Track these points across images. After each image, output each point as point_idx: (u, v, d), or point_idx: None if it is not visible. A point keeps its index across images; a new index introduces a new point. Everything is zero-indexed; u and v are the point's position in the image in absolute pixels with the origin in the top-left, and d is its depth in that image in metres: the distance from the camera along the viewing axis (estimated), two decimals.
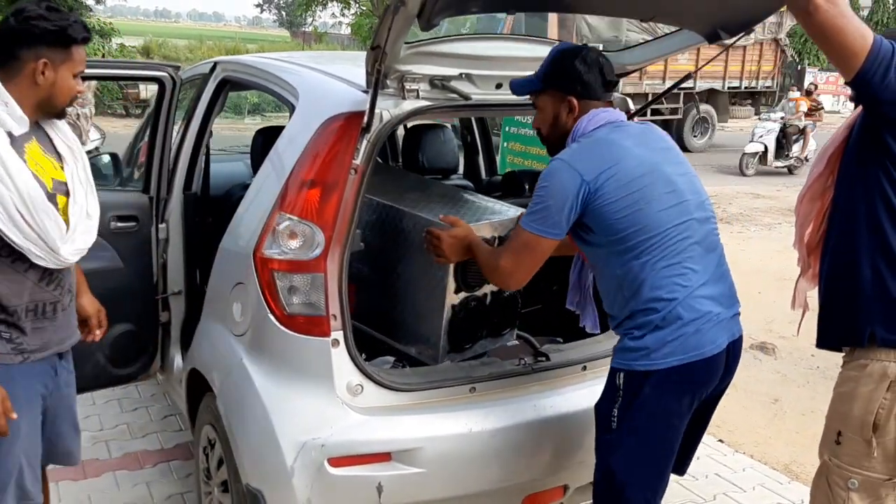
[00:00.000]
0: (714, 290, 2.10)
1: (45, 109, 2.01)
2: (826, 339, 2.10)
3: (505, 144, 6.71)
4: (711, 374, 2.12)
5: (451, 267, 2.44)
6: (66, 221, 2.00)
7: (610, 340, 2.70)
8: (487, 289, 2.59)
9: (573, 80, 2.16)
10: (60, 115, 2.07)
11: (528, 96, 2.33)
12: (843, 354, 2.09)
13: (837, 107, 34.67)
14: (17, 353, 1.99)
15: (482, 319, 2.63)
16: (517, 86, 2.30)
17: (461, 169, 4.07)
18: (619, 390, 2.09)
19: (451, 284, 2.48)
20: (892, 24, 37.55)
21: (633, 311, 2.07)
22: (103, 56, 16.17)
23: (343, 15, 25.85)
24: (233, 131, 11.02)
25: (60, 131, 2.10)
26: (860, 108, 1.99)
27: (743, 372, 4.79)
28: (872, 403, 1.93)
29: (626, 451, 2.10)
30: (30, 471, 2.05)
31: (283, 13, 49.09)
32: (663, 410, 2.08)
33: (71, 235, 1.99)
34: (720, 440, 3.86)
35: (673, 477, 3.36)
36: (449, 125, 3.76)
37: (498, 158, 6.20)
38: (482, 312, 2.62)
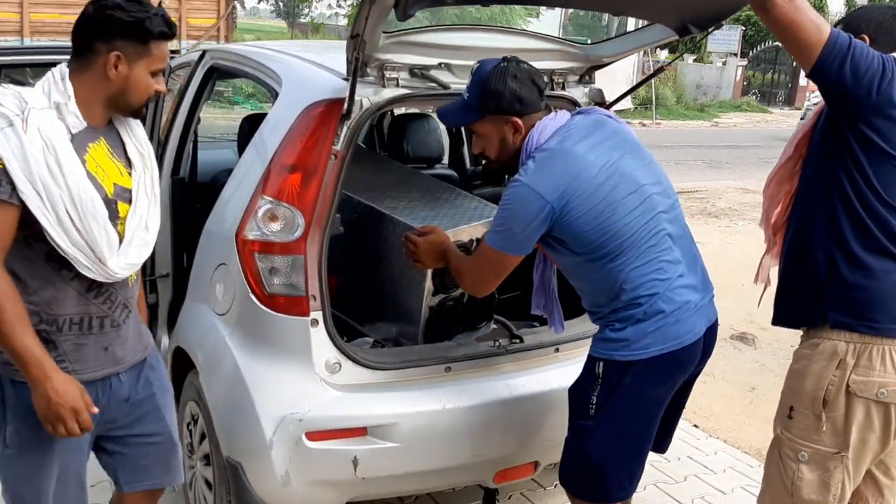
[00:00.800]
0: (691, 278, 2.16)
1: (118, 107, 1.87)
2: (782, 319, 2.20)
3: None
4: (689, 361, 2.18)
5: (429, 271, 2.53)
6: (123, 232, 1.84)
7: (583, 324, 2.80)
8: None
9: (511, 100, 2.12)
10: (136, 114, 1.92)
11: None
12: (800, 333, 2.18)
13: None
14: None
15: (459, 317, 2.72)
16: (450, 118, 2.32)
17: (446, 158, 4.15)
18: (598, 378, 2.13)
19: (429, 287, 2.58)
20: None
21: (615, 308, 2.12)
22: None
23: (339, 6, 25.83)
24: (227, 121, 11.07)
25: (134, 134, 1.95)
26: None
27: (722, 361, 4.96)
28: (823, 380, 2.02)
29: (603, 437, 2.15)
30: (65, 491, 1.94)
31: (281, 3, 48.95)
32: (642, 399, 2.14)
33: (124, 248, 1.84)
34: (695, 425, 3.95)
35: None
36: (432, 116, 3.83)
37: None
38: (459, 311, 2.71)
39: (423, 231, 2.43)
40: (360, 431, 2.32)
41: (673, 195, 2.23)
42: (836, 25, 2.16)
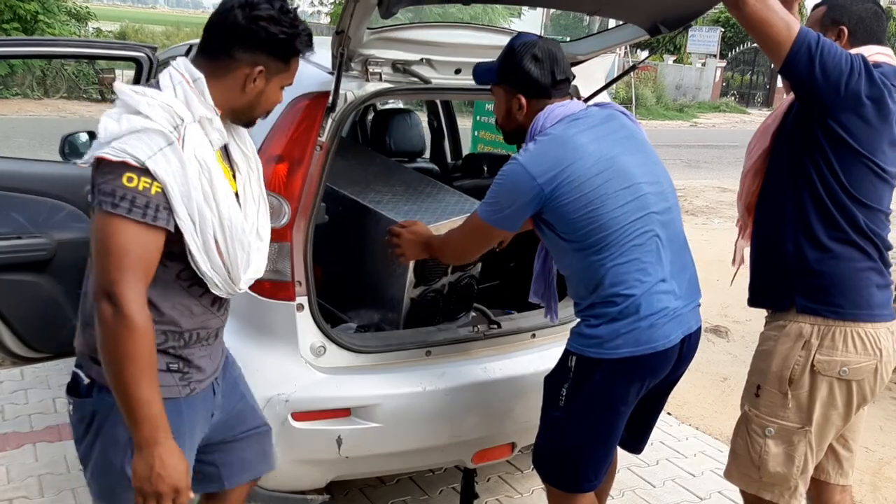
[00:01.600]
0: (674, 284, 2.14)
1: (240, 116, 1.79)
2: (755, 302, 2.33)
3: (476, 133, 6.87)
4: (662, 367, 2.17)
5: (412, 263, 2.62)
6: None
7: (561, 311, 2.91)
8: (445, 280, 2.78)
9: (522, 78, 2.16)
10: (250, 123, 1.85)
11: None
12: (765, 315, 2.30)
13: None
14: (185, 385, 1.78)
15: (439, 308, 2.81)
16: (478, 73, 2.33)
17: (428, 152, 4.25)
18: (569, 372, 2.17)
19: (411, 279, 2.67)
20: None
21: (593, 302, 2.13)
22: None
23: (322, 4, 25.80)
24: None
25: (239, 136, 1.86)
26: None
27: (697, 354, 5.07)
28: (789, 360, 2.15)
29: (570, 429, 2.20)
30: None
31: None
32: (610, 397, 2.15)
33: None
34: (668, 413, 4.07)
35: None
36: (415, 111, 3.93)
37: (469, 146, 6.39)
38: (439, 302, 2.80)
39: (405, 225, 2.51)
40: (344, 412, 2.41)
41: (672, 199, 2.22)
42: (818, 6, 2.28)
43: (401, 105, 3.94)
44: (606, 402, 2.16)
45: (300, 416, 2.36)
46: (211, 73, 1.68)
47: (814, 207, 2.11)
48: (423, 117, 4.28)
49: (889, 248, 2.19)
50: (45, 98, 16.34)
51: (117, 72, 15.88)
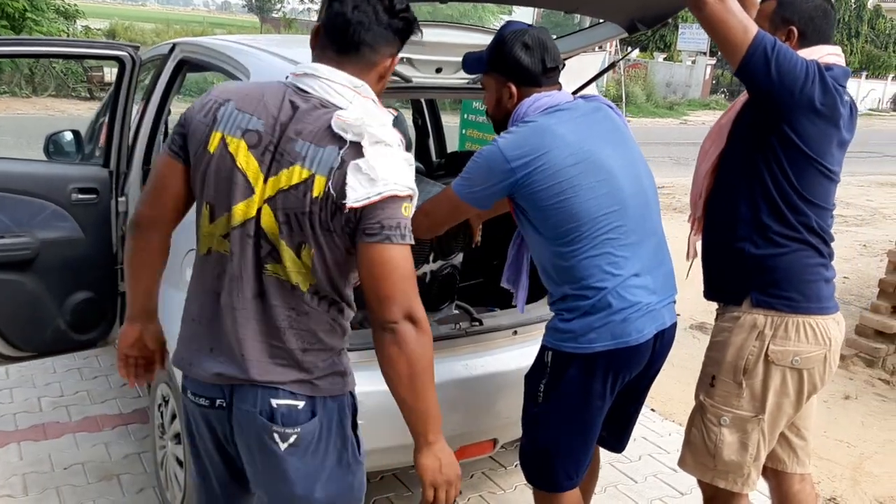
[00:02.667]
0: (648, 279, 2.15)
1: None
2: (711, 296, 2.38)
3: (463, 131, 6.88)
4: (636, 361, 2.19)
5: None
6: None
7: (541, 308, 2.92)
8: (427, 268, 2.79)
9: (512, 66, 2.16)
10: None
11: (466, 81, 2.52)
12: (716, 307, 2.36)
13: None
14: None
15: (422, 297, 2.81)
16: (468, 63, 2.32)
17: (412, 150, 4.26)
18: (546, 367, 2.19)
19: None
20: (853, 22, 38.29)
21: (564, 294, 2.14)
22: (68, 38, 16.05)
23: (312, 1, 25.79)
24: None
25: None
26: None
27: (682, 350, 5.10)
28: (744, 350, 2.21)
29: (550, 425, 2.22)
30: None
31: None
32: (586, 391, 2.16)
33: None
34: (652, 409, 4.11)
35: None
36: (399, 110, 3.94)
37: (456, 143, 6.39)
38: (421, 291, 2.80)
39: None
40: None
41: (650, 195, 2.23)
42: (770, 3, 2.29)
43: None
44: (582, 396, 2.18)
45: None
46: (359, 73, 1.65)
47: (767, 207, 2.17)
48: (407, 115, 4.30)
49: (832, 240, 2.26)
50: (34, 96, 16.30)
51: (105, 69, 15.87)
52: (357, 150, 1.55)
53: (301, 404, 1.70)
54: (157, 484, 2.91)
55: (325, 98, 1.61)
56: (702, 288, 2.39)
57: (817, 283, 2.21)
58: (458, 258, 2.93)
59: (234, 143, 1.60)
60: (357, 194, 1.54)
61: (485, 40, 2.71)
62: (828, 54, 2.20)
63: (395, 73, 2.59)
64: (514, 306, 2.83)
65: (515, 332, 2.76)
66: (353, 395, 1.88)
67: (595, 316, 2.09)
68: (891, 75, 39.13)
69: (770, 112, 2.10)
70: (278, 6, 41.04)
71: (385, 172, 1.55)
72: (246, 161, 1.60)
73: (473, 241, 2.81)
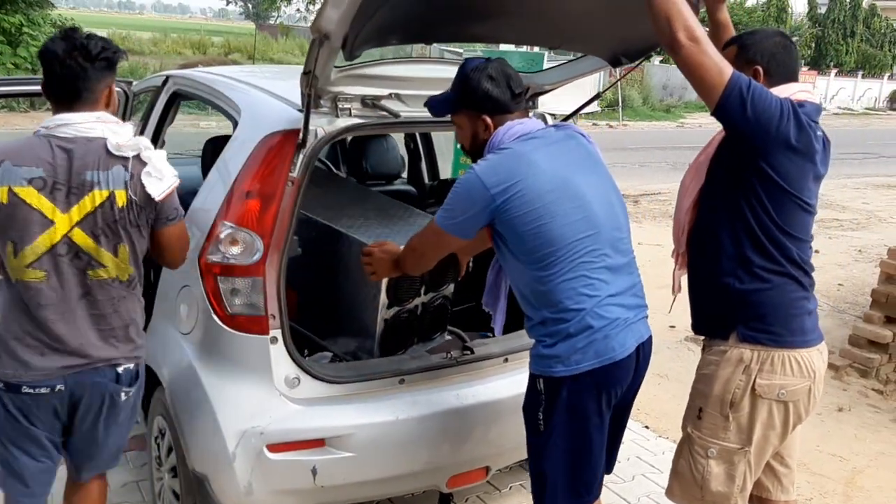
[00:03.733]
0: (622, 297, 2.21)
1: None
2: (698, 330, 2.42)
3: (460, 159, 6.95)
4: (623, 375, 2.24)
5: (384, 284, 2.67)
6: None
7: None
8: (418, 300, 2.84)
9: (483, 99, 2.23)
10: None
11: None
12: (703, 340, 2.39)
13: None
14: None
15: (413, 328, 2.87)
16: (434, 106, 2.38)
17: (406, 174, 4.31)
18: (541, 394, 2.22)
19: (384, 300, 2.72)
20: (848, 21, 38.37)
21: (544, 318, 2.18)
22: None
23: (308, 10, 25.86)
24: (197, 128, 11.12)
25: None
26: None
27: (676, 363, 5.16)
28: (731, 384, 2.24)
29: (554, 452, 2.23)
30: None
31: (250, 6, 48.77)
32: (583, 410, 2.20)
33: None
34: (646, 426, 4.14)
35: None
36: (391, 136, 3.99)
37: (450, 169, 6.45)
38: (413, 322, 2.86)
39: (376, 245, 2.57)
40: (318, 443, 2.47)
41: (622, 219, 2.30)
42: (729, 44, 2.33)
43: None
44: (580, 416, 2.21)
45: (275, 447, 2.42)
46: (92, 108, 2.12)
47: (749, 242, 2.20)
48: (400, 140, 4.35)
49: (813, 270, 2.30)
50: (32, 111, 16.30)
51: None
52: (139, 160, 2.09)
53: (132, 366, 2.26)
54: None
55: (86, 136, 2.06)
56: None
57: (801, 316, 2.25)
58: (450, 289, 2.97)
59: (23, 190, 2.00)
60: (157, 190, 2.10)
61: None
62: (799, 91, 2.24)
63: (384, 109, 2.64)
64: (508, 330, 2.89)
65: (506, 360, 2.80)
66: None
67: (577, 337, 2.15)
68: (887, 74, 39.17)
69: (747, 150, 2.14)
70: (274, 14, 41.13)
71: (165, 169, 2.13)
72: (38, 202, 2.01)
73: (460, 274, 2.85)
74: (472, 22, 2.65)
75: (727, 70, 2.05)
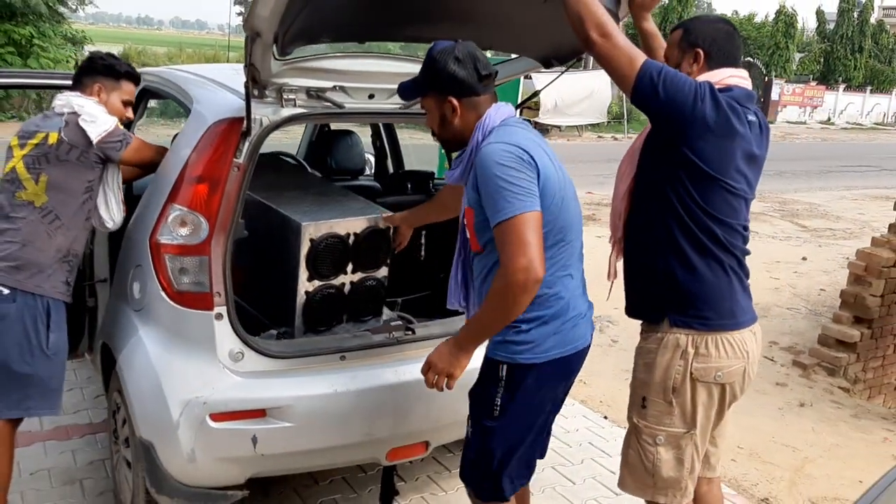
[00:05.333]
0: (582, 289, 2.37)
1: None
2: (632, 314, 2.48)
3: (443, 151, 7.10)
4: (578, 365, 2.35)
5: (303, 256, 2.81)
6: None
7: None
8: (346, 279, 2.97)
9: (449, 80, 2.21)
10: None
11: (398, 107, 2.70)
12: (641, 326, 2.46)
13: (804, 118, 35.51)
14: None
15: (341, 306, 2.99)
16: (403, 91, 2.37)
17: (372, 170, 4.46)
18: (501, 381, 2.25)
19: (304, 273, 2.85)
20: (856, 37, 38.34)
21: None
22: (76, 64, 16.43)
23: None
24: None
25: None
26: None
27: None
28: (670, 370, 2.29)
29: (506, 436, 2.29)
30: None
31: None
32: (542, 399, 2.30)
33: None
34: (605, 416, 4.25)
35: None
36: (356, 133, 4.15)
37: (436, 165, 6.61)
38: (340, 300, 2.97)
39: (388, 221, 2.85)
40: (259, 413, 2.60)
41: (580, 213, 2.35)
42: (675, 29, 2.44)
43: (344, 127, 4.16)
44: (538, 405, 2.31)
45: (217, 416, 2.55)
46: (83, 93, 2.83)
47: (678, 228, 2.26)
48: (366, 137, 4.51)
49: (747, 254, 2.37)
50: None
51: None
52: (73, 114, 2.67)
53: (5, 291, 2.60)
54: (114, 488, 3.08)
55: (57, 107, 2.74)
56: None
57: (732, 298, 2.30)
58: (383, 272, 3.09)
59: (14, 141, 2.75)
60: (95, 132, 2.65)
61: (413, 69, 2.91)
62: (730, 76, 2.30)
63: (328, 100, 2.79)
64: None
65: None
66: (51, 301, 2.68)
67: (551, 325, 2.22)
68: (894, 90, 39.06)
69: (668, 135, 2.21)
70: None
71: (99, 115, 2.69)
72: (13, 144, 2.74)
73: (396, 247, 2.99)
74: (403, 23, 2.79)
75: (638, 59, 2.15)
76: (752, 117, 2.28)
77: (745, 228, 2.35)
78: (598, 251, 8.39)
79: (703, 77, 2.26)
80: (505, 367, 2.24)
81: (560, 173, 2.22)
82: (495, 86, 3.02)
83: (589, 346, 2.36)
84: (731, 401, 2.38)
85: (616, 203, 2.48)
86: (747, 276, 2.38)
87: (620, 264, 2.54)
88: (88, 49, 18.91)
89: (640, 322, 2.47)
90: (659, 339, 2.31)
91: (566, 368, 2.31)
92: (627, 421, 2.46)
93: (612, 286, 2.64)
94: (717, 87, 2.23)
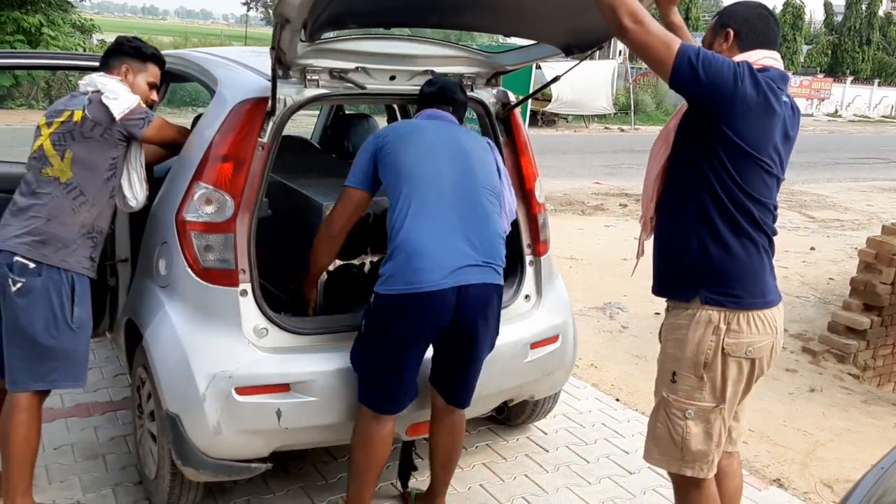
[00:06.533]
0: (459, 243, 2.57)
1: None
2: (660, 292, 2.49)
3: None
4: (433, 309, 2.54)
5: None
6: None
7: None
8: (366, 259, 3.02)
9: (423, 97, 2.88)
10: None
11: (419, 88, 2.80)
12: (667, 301, 2.48)
13: (811, 110, 35.40)
14: None
15: (361, 286, 3.04)
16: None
17: None
18: (370, 305, 2.62)
19: None
20: (864, 29, 38.18)
21: (390, 247, 2.58)
22: (84, 52, 16.48)
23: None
24: None
25: None
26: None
27: (655, 347, 5.28)
28: (702, 345, 2.31)
29: (362, 350, 2.65)
30: None
31: (269, 11, 49.19)
32: (387, 329, 2.58)
33: None
34: (616, 399, 4.30)
35: (560, 424, 3.83)
36: (372, 117, 4.19)
37: None
38: (360, 280, 3.03)
39: None
40: (283, 387, 2.66)
41: (482, 186, 2.71)
42: (714, 17, 2.48)
43: (362, 109, 4.21)
44: (384, 332, 2.59)
45: (243, 390, 2.61)
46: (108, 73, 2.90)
47: (714, 206, 2.28)
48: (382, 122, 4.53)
49: (776, 234, 2.40)
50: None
51: None
52: (96, 92, 2.74)
53: (31, 265, 2.64)
54: (137, 461, 3.14)
55: (81, 87, 2.81)
56: None
57: (762, 278, 2.33)
58: (366, 260, 3.16)
59: (42, 121, 2.81)
60: (118, 109, 2.71)
61: (434, 51, 2.96)
62: (764, 57, 2.32)
63: (350, 81, 2.83)
64: None
65: None
66: (75, 276, 2.72)
67: (393, 262, 2.54)
68: None
69: (708, 115, 2.22)
70: None
71: (121, 92, 2.75)
72: (41, 123, 2.81)
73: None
74: (428, 9, 2.84)
75: (675, 44, 2.16)
76: (785, 98, 2.30)
77: (776, 208, 2.38)
78: (606, 240, 8.47)
79: (740, 57, 2.28)
80: (374, 293, 2.60)
81: (429, 140, 2.72)
82: (509, 71, 3.11)
83: (443, 292, 2.51)
84: (759, 375, 2.41)
85: (648, 183, 2.50)
86: (774, 254, 2.41)
87: (649, 244, 2.57)
88: (97, 38, 18.99)
89: (651, 306, 2.49)
90: (690, 315, 2.33)
91: (411, 307, 2.53)
92: (655, 395, 2.48)
93: (637, 264, 2.69)
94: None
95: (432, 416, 2.81)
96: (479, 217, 2.66)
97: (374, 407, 2.66)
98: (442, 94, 2.86)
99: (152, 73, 2.95)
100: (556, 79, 3.36)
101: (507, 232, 2.87)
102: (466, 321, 2.61)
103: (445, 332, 2.61)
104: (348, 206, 2.74)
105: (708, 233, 2.30)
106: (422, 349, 2.66)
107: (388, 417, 2.67)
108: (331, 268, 2.94)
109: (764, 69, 2.28)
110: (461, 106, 2.90)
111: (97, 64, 3.11)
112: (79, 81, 2.85)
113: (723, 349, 2.30)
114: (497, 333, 2.78)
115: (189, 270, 2.67)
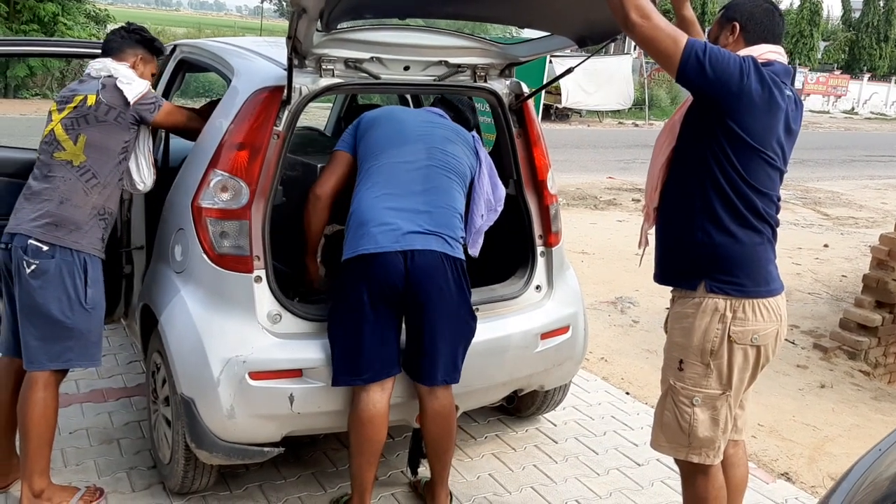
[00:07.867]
0: (410, 215, 2.69)
1: None
2: (663, 279, 2.52)
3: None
4: (380, 271, 2.62)
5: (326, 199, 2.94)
6: None
7: (505, 288, 3.16)
8: (328, 229, 3.04)
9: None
10: None
11: (433, 79, 2.82)
12: (672, 290, 2.51)
13: (827, 107, 35.16)
14: None
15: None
16: None
17: None
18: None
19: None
20: (882, 26, 37.85)
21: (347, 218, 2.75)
22: (98, 41, 16.56)
23: None
24: None
25: None
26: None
27: (664, 339, 5.30)
28: (709, 333, 2.33)
29: (331, 322, 2.73)
30: None
31: (283, 3, 49.28)
32: (346, 294, 2.68)
33: None
34: (627, 392, 4.31)
35: (570, 416, 3.84)
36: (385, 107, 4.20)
37: None
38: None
39: None
40: (296, 373, 2.69)
41: (444, 163, 2.85)
42: (720, 11, 2.51)
43: (374, 100, 4.23)
44: (344, 299, 2.69)
45: (256, 375, 2.64)
46: (119, 61, 2.94)
47: (718, 197, 2.31)
48: None
49: (778, 225, 2.42)
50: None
51: None
52: (110, 77, 2.82)
53: (45, 247, 2.69)
54: (151, 446, 3.18)
55: (93, 72, 2.87)
56: None
57: (766, 267, 2.36)
58: None
59: (53, 106, 2.85)
60: (132, 93, 2.80)
61: (448, 41, 2.97)
62: (768, 52, 2.35)
63: (365, 71, 2.85)
64: (484, 285, 3.10)
65: (476, 310, 2.98)
66: (88, 257, 2.77)
67: (353, 229, 2.69)
68: None
69: (714, 110, 2.25)
70: None
71: (134, 78, 2.85)
72: (52, 109, 2.86)
73: None
74: (444, 0, 2.86)
75: (681, 39, 2.18)
76: (788, 92, 2.33)
77: (779, 199, 2.42)
78: (618, 234, 8.46)
79: (745, 52, 2.31)
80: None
81: (400, 119, 2.96)
82: (523, 62, 3.12)
83: (386, 255, 2.62)
84: (764, 363, 2.43)
85: (653, 174, 2.53)
86: (775, 244, 2.43)
87: (652, 233, 2.59)
88: (111, 28, 19.07)
89: (663, 301, 2.51)
90: (696, 303, 2.35)
91: (360, 270, 2.65)
92: (662, 383, 2.51)
93: (643, 255, 2.70)
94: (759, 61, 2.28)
95: (419, 405, 2.82)
96: (435, 190, 2.78)
97: (344, 379, 2.68)
98: (446, 99, 3.01)
99: (155, 66, 3.08)
100: (569, 70, 3.37)
101: (485, 219, 2.97)
102: (418, 288, 2.66)
103: (404, 302, 2.68)
104: (335, 166, 2.91)
105: (713, 223, 2.33)
106: (383, 315, 2.68)
107: (376, 396, 2.68)
108: (328, 233, 2.97)
109: (768, 63, 2.30)
110: (461, 115, 3.11)
111: (90, 50, 3.20)
112: (90, 66, 2.90)
113: (729, 337, 2.33)
114: (469, 314, 2.81)
115: (204, 256, 2.70)
